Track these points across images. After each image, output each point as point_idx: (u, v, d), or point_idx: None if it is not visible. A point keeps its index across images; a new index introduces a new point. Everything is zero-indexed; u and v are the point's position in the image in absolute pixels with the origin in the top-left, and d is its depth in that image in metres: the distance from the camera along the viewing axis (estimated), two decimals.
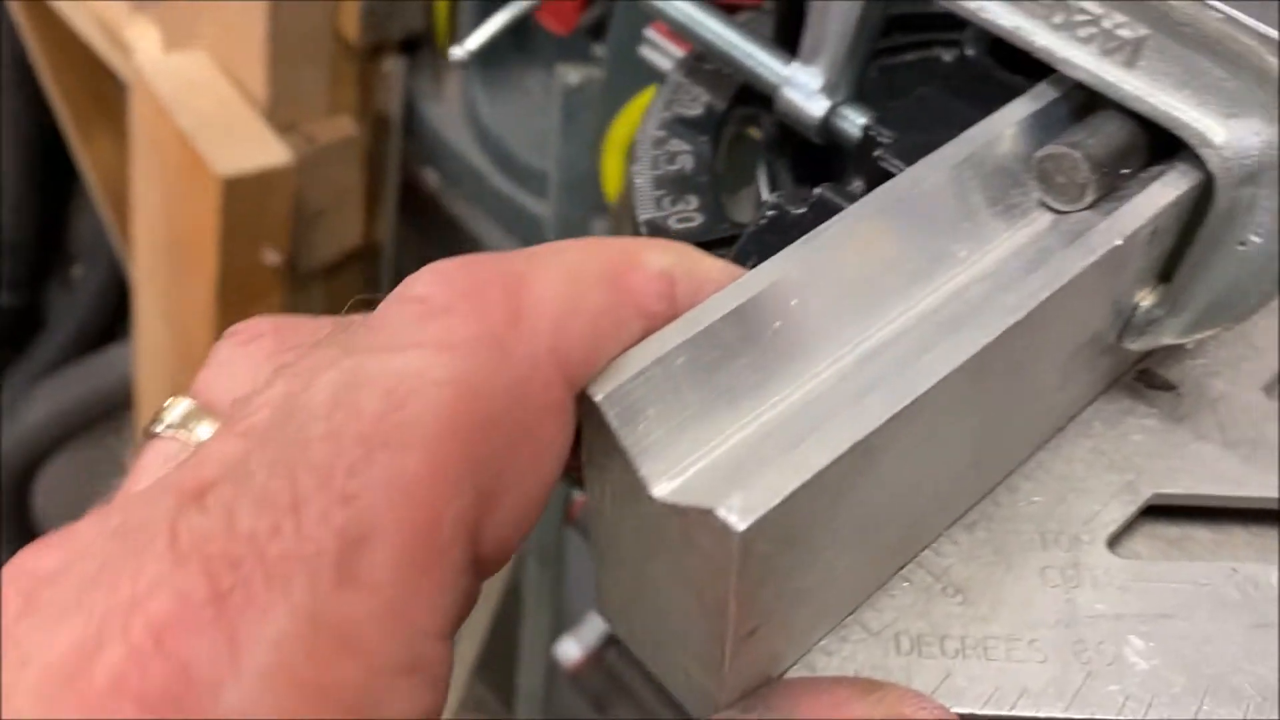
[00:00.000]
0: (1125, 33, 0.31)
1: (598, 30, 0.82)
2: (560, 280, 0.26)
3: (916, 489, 0.30)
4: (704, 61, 0.45)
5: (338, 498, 0.22)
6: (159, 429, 0.28)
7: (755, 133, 0.48)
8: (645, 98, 0.72)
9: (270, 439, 0.23)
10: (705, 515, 0.25)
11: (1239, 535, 0.35)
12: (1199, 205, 0.32)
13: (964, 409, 0.29)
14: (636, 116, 0.85)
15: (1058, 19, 0.32)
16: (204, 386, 0.29)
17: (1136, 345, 0.34)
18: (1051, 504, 0.34)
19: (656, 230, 0.40)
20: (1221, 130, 0.30)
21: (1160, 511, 0.35)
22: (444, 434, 0.23)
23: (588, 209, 0.89)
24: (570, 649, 0.87)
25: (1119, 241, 0.29)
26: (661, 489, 0.26)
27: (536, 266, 0.26)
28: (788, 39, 0.43)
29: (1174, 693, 0.31)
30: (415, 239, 1.05)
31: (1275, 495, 0.35)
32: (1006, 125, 0.32)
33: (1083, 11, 0.31)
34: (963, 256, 0.31)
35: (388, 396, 0.23)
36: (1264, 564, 0.33)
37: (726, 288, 0.28)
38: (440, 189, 1.00)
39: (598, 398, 0.26)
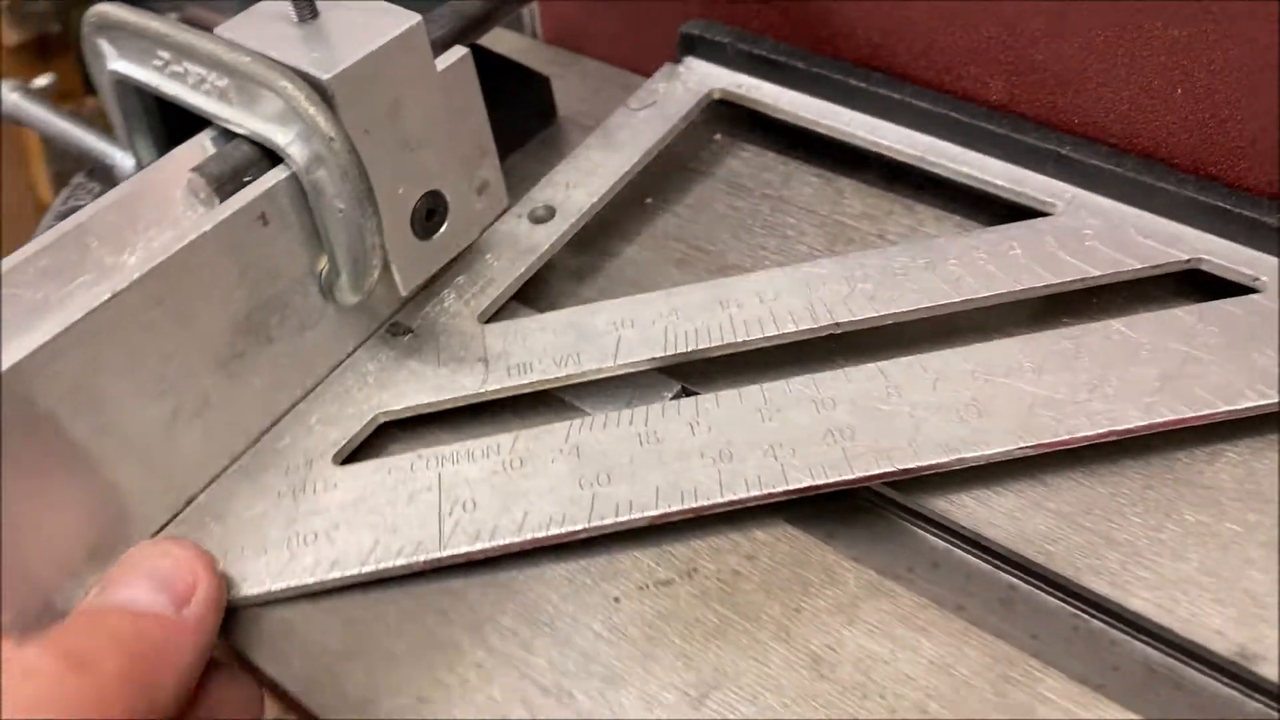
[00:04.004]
0: (220, 82, 0.42)
1: None
2: None
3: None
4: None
5: None
6: None
7: None
8: None
9: None
10: None
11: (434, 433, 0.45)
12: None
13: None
14: None
15: (191, 81, 0.43)
16: None
17: (338, 302, 0.45)
18: (300, 439, 0.44)
19: None
20: (283, 136, 0.41)
21: (396, 426, 0.46)
22: None
23: None
24: None
25: (208, 227, 0.40)
26: None
27: None
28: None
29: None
30: None
31: (476, 390, 0.45)
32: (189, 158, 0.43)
33: (196, 74, 0.42)
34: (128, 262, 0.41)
35: None
36: (455, 460, 0.43)
37: None
38: None
39: None
